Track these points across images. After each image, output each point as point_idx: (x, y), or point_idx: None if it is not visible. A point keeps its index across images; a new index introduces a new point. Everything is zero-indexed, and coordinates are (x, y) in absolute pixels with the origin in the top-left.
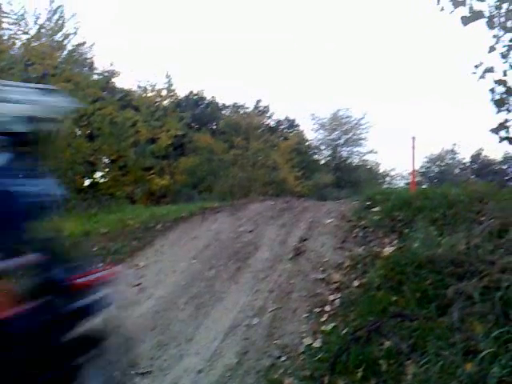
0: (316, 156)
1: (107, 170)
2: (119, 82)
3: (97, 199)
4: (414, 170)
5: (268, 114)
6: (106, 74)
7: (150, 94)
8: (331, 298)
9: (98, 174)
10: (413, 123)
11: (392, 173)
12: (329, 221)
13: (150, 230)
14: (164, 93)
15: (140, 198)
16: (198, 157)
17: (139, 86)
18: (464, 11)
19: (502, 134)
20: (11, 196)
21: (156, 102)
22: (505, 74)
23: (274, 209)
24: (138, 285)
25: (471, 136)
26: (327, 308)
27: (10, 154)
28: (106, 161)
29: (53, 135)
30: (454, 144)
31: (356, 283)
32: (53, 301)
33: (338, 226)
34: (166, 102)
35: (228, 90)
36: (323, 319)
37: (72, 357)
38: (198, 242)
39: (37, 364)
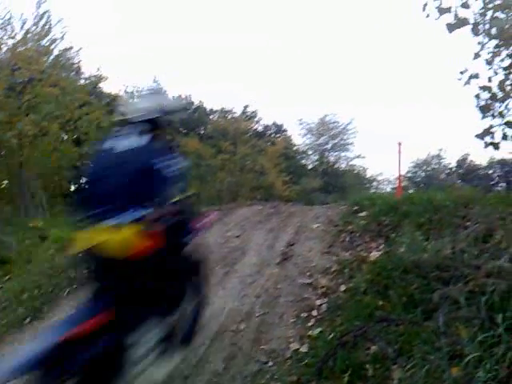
0: (303, 161)
1: None
2: (106, 87)
3: None
4: (400, 175)
5: (256, 119)
6: (93, 79)
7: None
8: (318, 302)
9: (84, 179)
10: (400, 128)
11: (379, 178)
12: (316, 225)
13: None
14: None
15: None
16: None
17: (126, 91)
18: (449, 18)
19: (487, 139)
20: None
21: None
22: (490, 80)
23: (262, 214)
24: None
25: (457, 141)
26: (314, 313)
27: (151, 136)
28: None
29: (173, 123)
30: (440, 149)
31: (343, 288)
32: (184, 236)
33: (325, 230)
34: None
35: (216, 94)
36: (310, 324)
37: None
38: None
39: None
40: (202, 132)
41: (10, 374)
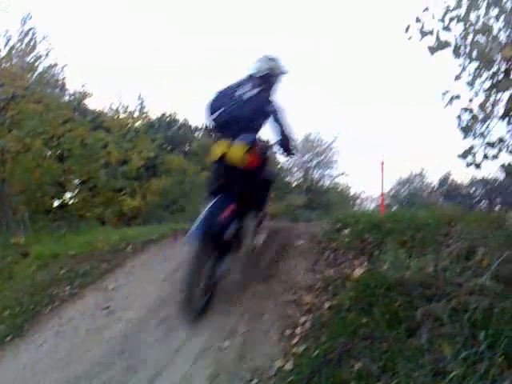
0: (288, 178)
1: (77, 191)
2: (91, 104)
3: (66, 220)
4: (382, 194)
5: None
6: (78, 96)
7: (122, 116)
8: (302, 319)
9: (67, 195)
10: (383, 146)
11: (362, 195)
12: (300, 243)
13: (120, 252)
14: (136, 114)
15: (110, 220)
16: (170, 178)
17: (111, 108)
18: (431, 40)
19: (469, 159)
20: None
21: (128, 123)
22: (471, 102)
23: None
24: (106, 308)
25: (441, 159)
26: (298, 330)
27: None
28: (76, 182)
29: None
30: (423, 168)
31: (327, 305)
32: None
33: (309, 247)
34: (138, 124)
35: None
36: (294, 341)
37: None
38: (168, 264)
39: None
40: (187, 149)
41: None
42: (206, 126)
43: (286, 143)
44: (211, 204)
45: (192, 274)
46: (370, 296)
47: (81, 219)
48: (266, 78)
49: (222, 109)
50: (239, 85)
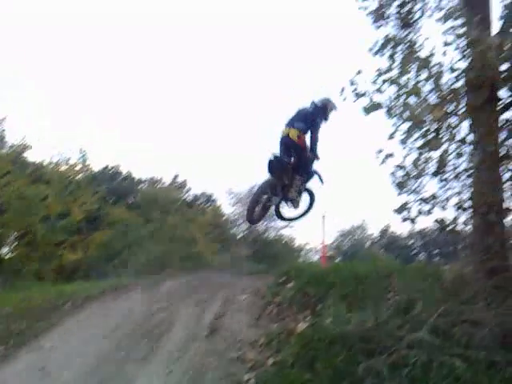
0: (233, 230)
1: (14, 245)
2: (31, 156)
3: (1, 277)
4: (324, 246)
5: (185, 189)
6: (17, 148)
7: (63, 168)
8: (246, 377)
9: (3, 250)
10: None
11: (306, 247)
12: (244, 297)
13: (58, 310)
14: (78, 167)
15: (48, 275)
16: (113, 230)
17: (51, 161)
18: (365, 102)
19: (404, 214)
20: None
21: (69, 175)
22: (404, 159)
23: (190, 285)
24: (42, 368)
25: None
26: None
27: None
28: (14, 236)
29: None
30: (364, 220)
31: (271, 361)
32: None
33: (253, 302)
34: (79, 176)
35: (145, 164)
36: None
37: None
38: (109, 322)
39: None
40: (131, 201)
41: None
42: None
43: (314, 148)
44: (280, 157)
45: (257, 194)
46: (314, 350)
47: (17, 275)
48: (322, 107)
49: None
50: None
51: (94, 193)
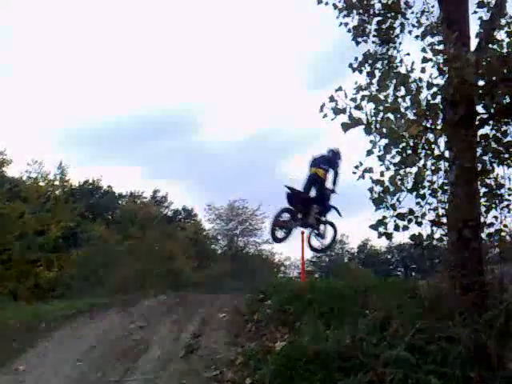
0: (213, 246)
1: None
2: (10, 171)
3: None
4: (303, 263)
5: (165, 204)
6: None
7: (41, 184)
8: None
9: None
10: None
11: (286, 262)
12: (222, 315)
13: (33, 330)
14: (57, 182)
15: (23, 294)
16: (90, 248)
17: (29, 177)
18: (344, 118)
19: (381, 229)
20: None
21: (47, 191)
22: (382, 175)
23: (167, 303)
24: None
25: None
26: None
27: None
28: None
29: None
30: (343, 234)
31: (248, 381)
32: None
33: (231, 320)
34: (58, 192)
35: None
36: None
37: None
38: (84, 342)
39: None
40: (110, 217)
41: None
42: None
43: (334, 182)
44: (303, 191)
45: (277, 218)
46: (291, 370)
47: None
48: (337, 153)
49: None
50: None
51: (72, 209)
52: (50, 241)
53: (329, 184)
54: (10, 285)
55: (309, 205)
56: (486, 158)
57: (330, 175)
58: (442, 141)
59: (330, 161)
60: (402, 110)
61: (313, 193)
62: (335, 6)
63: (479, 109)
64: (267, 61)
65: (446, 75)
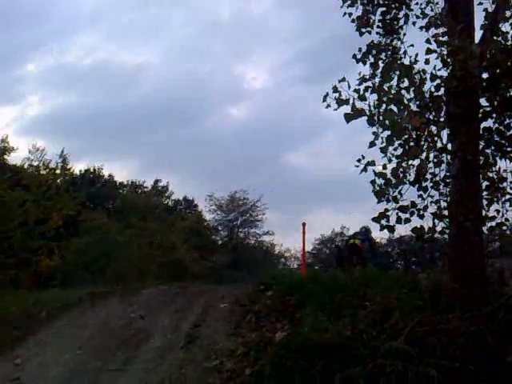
0: (213, 237)
1: None
2: (12, 159)
3: None
4: (304, 254)
5: (166, 194)
6: None
7: (42, 172)
8: None
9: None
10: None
11: (286, 254)
12: (222, 305)
13: (34, 318)
14: (58, 171)
15: (25, 282)
16: (91, 237)
17: (31, 165)
18: (347, 109)
19: (383, 222)
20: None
21: (48, 180)
22: (384, 168)
23: (168, 293)
24: (16, 379)
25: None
26: None
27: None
28: None
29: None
30: (344, 227)
31: (248, 371)
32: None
33: (231, 310)
34: (59, 181)
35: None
36: None
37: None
38: (84, 331)
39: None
40: (111, 206)
41: None
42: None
43: (372, 251)
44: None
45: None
46: (291, 360)
47: None
48: (368, 229)
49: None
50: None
51: (73, 198)
52: (51, 229)
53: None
54: (11, 273)
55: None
56: (488, 151)
57: (366, 244)
58: (444, 133)
59: (364, 235)
60: (405, 101)
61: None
62: None
63: (482, 101)
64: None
65: (450, 67)
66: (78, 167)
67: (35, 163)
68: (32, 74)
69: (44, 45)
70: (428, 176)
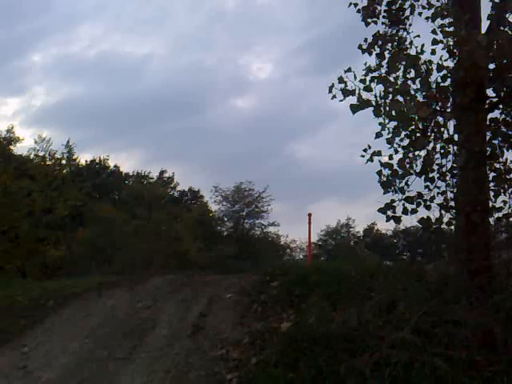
0: (219, 227)
1: None
2: (18, 149)
3: None
4: (309, 245)
5: (172, 185)
6: (3, 141)
7: (48, 163)
8: (229, 376)
9: None
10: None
11: (292, 245)
12: (229, 295)
13: (41, 307)
14: (64, 161)
15: (32, 272)
16: (97, 227)
17: (37, 155)
18: (353, 99)
19: (389, 213)
20: None
21: (54, 170)
22: (390, 158)
23: (175, 283)
24: (23, 367)
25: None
26: None
27: None
28: None
29: None
30: (349, 218)
31: (254, 360)
32: None
33: (237, 300)
34: (65, 171)
35: (132, 158)
36: None
37: None
38: (92, 320)
39: None
40: (117, 197)
41: None
42: None
43: None
44: None
45: None
46: (297, 350)
47: (0, 271)
48: None
49: None
50: None
51: (79, 188)
52: (58, 219)
53: None
54: (18, 262)
55: None
56: (495, 142)
57: None
58: (451, 124)
59: None
60: (412, 92)
61: None
62: None
63: (489, 92)
64: (276, 40)
65: (457, 57)
66: (83, 158)
67: (41, 153)
68: (37, 65)
69: (49, 35)
70: (435, 167)
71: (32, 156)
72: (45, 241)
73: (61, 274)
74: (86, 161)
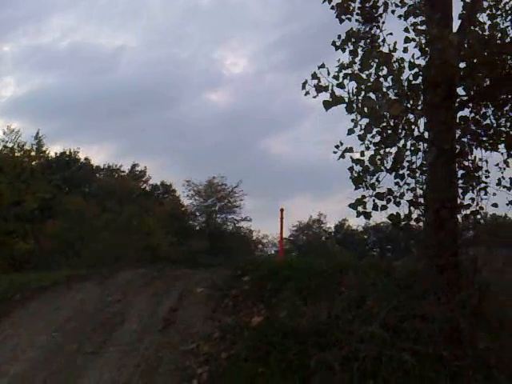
0: (191, 222)
1: None
2: None
3: None
4: (281, 240)
5: (144, 179)
6: None
7: (17, 154)
8: (200, 371)
9: None
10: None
11: (264, 240)
12: (200, 290)
13: (8, 301)
14: (33, 153)
15: None
16: (66, 220)
17: (5, 146)
18: (326, 96)
19: (360, 209)
20: None
21: (23, 162)
22: (362, 155)
23: (145, 277)
24: None
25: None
26: (195, 382)
27: None
28: None
29: None
30: (321, 214)
31: (224, 355)
32: None
33: (209, 295)
34: (34, 163)
35: (103, 151)
36: None
37: None
38: (60, 314)
39: None
40: (87, 190)
41: None
42: None
43: None
44: None
45: None
46: (267, 344)
47: None
48: None
49: None
50: None
51: (48, 180)
52: (26, 212)
53: None
54: None
55: None
56: (464, 140)
57: None
58: (422, 122)
59: None
60: (384, 89)
61: None
62: None
63: (460, 91)
64: (250, 35)
65: (428, 56)
66: (53, 150)
67: (10, 145)
68: (7, 55)
69: (20, 25)
70: (405, 164)
71: (0, 147)
72: (13, 233)
73: (29, 267)
74: (56, 153)
